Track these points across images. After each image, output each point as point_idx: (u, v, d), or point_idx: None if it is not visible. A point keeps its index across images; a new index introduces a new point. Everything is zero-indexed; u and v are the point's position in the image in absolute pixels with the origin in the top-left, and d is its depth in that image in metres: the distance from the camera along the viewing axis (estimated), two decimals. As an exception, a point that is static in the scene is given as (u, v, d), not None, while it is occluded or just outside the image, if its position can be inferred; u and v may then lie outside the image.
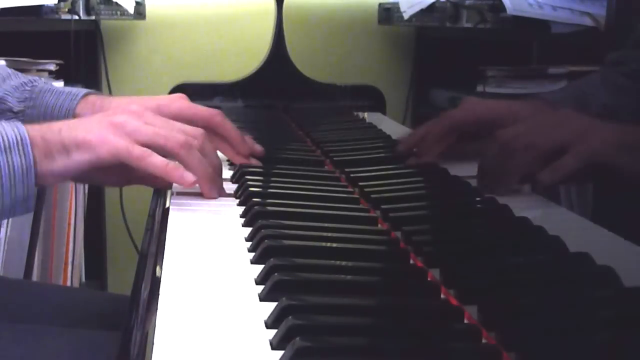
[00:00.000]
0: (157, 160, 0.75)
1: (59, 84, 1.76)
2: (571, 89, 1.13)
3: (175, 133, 0.78)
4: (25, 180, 0.71)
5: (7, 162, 0.70)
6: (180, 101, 0.94)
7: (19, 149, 0.71)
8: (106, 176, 0.82)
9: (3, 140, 0.70)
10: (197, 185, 0.79)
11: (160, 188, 0.85)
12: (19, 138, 0.71)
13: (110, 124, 0.75)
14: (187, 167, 0.78)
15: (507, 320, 0.51)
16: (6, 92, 1.00)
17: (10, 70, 1.02)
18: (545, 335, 0.48)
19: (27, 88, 1.01)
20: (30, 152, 0.71)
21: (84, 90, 1.01)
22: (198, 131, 0.81)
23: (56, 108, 0.99)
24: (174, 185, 0.83)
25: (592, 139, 0.80)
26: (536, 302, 0.53)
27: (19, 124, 0.73)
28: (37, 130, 0.73)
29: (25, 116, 1.00)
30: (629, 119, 0.99)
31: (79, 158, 0.74)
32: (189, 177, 0.76)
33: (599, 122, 0.83)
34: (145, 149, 0.75)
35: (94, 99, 1.01)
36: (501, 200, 0.78)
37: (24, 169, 0.71)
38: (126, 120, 0.76)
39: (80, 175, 0.76)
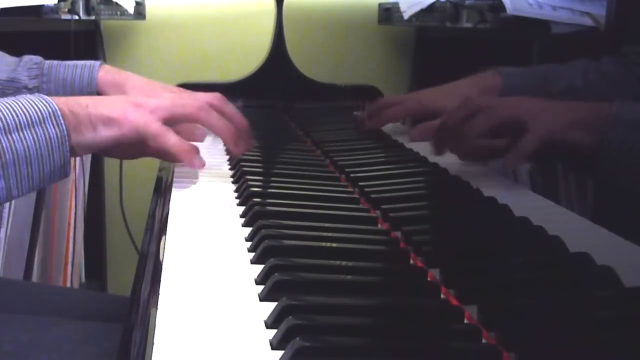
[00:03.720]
0: (173, 139, 0.82)
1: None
2: (531, 70, 1.20)
3: (192, 100, 0.85)
4: (61, 148, 0.75)
5: (44, 133, 0.74)
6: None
7: (52, 121, 0.75)
8: (124, 150, 0.87)
9: (37, 113, 0.74)
10: (200, 167, 0.86)
11: (171, 162, 0.91)
12: (50, 110, 0.75)
13: (132, 104, 0.82)
14: (208, 127, 0.85)
15: (507, 320, 0.51)
16: (18, 72, 1.08)
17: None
18: (545, 335, 0.48)
19: (33, 66, 1.09)
20: (62, 122, 0.76)
21: (97, 62, 1.10)
22: (215, 95, 0.88)
23: (76, 79, 1.08)
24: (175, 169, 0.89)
25: (547, 118, 0.86)
26: (536, 302, 0.53)
27: (47, 98, 0.77)
28: (64, 104, 0.77)
29: (42, 91, 1.08)
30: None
31: (105, 134, 0.79)
32: (199, 162, 0.84)
33: (552, 102, 0.89)
34: (162, 126, 0.81)
35: (110, 69, 1.11)
36: (501, 200, 0.78)
37: (59, 138, 0.75)
38: (146, 100, 0.83)
39: (103, 149, 0.82)
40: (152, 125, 0.81)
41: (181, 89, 1.16)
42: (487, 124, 0.89)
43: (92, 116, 0.79)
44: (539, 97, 1.04)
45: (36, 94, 0.77)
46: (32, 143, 0.73)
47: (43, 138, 0.74)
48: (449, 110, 0.94)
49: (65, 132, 0.76)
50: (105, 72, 1.09)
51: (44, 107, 0.75)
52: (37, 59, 1.11)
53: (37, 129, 0.74)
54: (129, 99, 0.83)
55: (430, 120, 1.15)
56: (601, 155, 0.83)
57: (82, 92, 1.08)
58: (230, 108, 0.88)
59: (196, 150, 0.86)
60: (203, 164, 0.85)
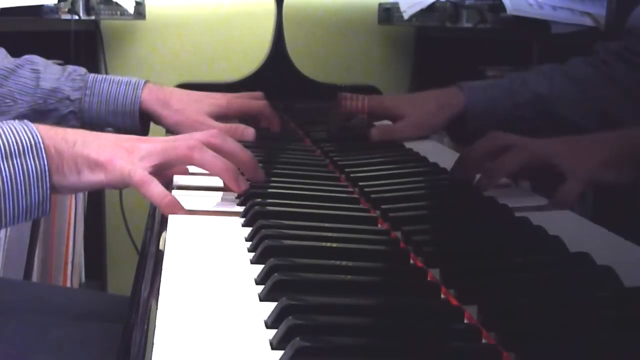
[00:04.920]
0: (155, 190, 0.75)
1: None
2: (495, 82, 1.18)
3: (183, 141, 0.78)
4: (41, 184, 0.70)
5: (22, 165, 0.69)
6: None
7: (33, 153, 0.70)
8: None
9: (17, 143, 0.70)
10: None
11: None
12: (33, 142, 0.70)
13: (124, 149, 0.76)
14: (202, 167, 0.78)
15: (507, 320, 0.51)
16: (61, 82, 1.08)
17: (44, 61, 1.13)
18: (545, 335, 0.48)
19: (77, 77, 1.09)
20: (44, 156, 0.70)
21: (141, 80, 1.10)
22: (212, 132, 0.80)
23: (119, 96, 1.09)
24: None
25: (582, 161, 0.82)
26: (536, 302, 0.53)
27: (32, 127, 0.72)
28: (51, 139, 0.72)
29: (83, 104, 1.09)
30: (567, 107, 1.07)
31: (88, 179, 0.74)
32: (182, 213, 0.76)
33: (581, 141, 0.86)
34: (147, 175, 0.75)
35: (153, 87, 1.11)
36: (501, 200, 0.78)
37: (38, 173, 0.70)
38: (138, 145, 0.77)
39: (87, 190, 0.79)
40: (136, 174, 0.74)
41: (225, 96, 1.15)
42: (516, 165, 0.84)
43: (77, 157, 0.73)
44: (508, 110, 1.04)
45: (24, 121, 0.72)
46: (8, 176, 0.68)
47: (21, 171, 0.69)
48: (472, 145, 0.89)
49: (47, 167, 0.70)
50: (149, 91, 1.10)
51: (26, 138, 0.70)
52: (81, 70, 1.11)
53: (15, 161, 0.69)
54: (121, 141, 0.77)
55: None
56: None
57: (124, 109, 1.09)
58: (230, 143, 0.80)
59: (178, 202, 0.77)
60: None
